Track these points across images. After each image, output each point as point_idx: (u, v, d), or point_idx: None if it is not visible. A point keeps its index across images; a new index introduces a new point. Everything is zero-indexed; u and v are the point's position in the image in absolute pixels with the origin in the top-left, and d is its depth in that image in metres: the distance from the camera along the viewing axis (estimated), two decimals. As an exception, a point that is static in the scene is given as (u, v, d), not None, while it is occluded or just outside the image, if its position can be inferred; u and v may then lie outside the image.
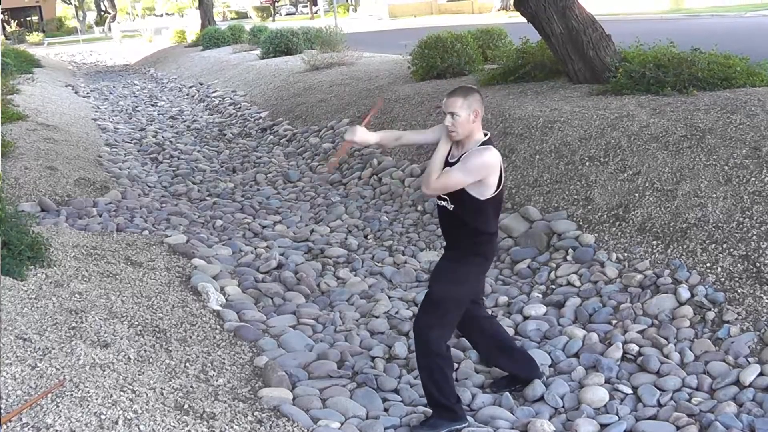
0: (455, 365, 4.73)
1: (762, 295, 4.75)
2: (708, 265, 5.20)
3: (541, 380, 4.48)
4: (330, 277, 6.38)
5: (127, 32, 49.93)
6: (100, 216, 7.51)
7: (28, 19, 67.46)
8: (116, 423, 3.45)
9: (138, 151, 11.85)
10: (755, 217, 5.32)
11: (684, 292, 5.03)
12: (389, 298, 5.92)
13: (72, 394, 3.61)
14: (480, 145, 3.87)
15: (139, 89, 21.70)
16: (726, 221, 5.43)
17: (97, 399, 3.61)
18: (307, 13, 63.14)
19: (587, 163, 6.88)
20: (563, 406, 4.31)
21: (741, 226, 5.32)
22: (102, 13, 66.00)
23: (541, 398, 4.37)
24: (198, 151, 11.66)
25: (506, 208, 6.92)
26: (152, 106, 17.77)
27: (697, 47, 8.68)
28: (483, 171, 3.82)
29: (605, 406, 4.24)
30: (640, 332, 4.89)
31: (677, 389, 4.32)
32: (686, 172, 6.11)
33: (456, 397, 4.07)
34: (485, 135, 3.93)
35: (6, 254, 5.16)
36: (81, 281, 5.39)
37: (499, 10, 41.78)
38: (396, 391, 4.53)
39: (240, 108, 15.20)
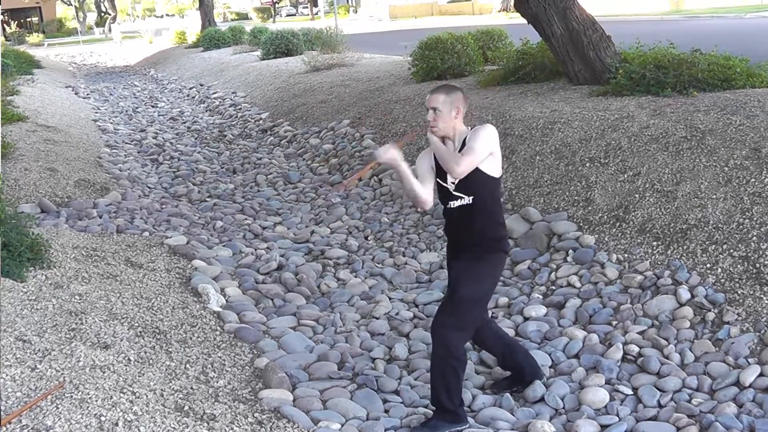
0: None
1: (762, 296, 4.75)
2: (708, 266, 5.20)
3: (542, 381, 4.48)
4: (330, 279, 6.38)
5: (127, 33, 49.96)
6: (100, 217, 7.51)
7: (28, 20, 67.51)
8: (116, 425, 3.45)
9: (138, 153, 11.86)
10: (755, 218, 5.32)
11: (684, 293, 5.03)
12: (390, 299, 5.92)
13: (72, 396, 3.61)
14: (469, 130, 3.95)
15: (139, 90, 21.71)
16: (726, 222, 5.43)
17: (97, 401, 3.61)
18: (308, 14, 63.17)
19: (587, 164, 6.88)
20: (564, 407, 4.31)
21: (741, 227, 5.32)
22: (102, 14, 66.03)
23: (542, 399, 4.37)
24: (198, 153, 11.67)
25: (507, 209, 6.91)
26: (152, 107, 17.78)
27: (697, 48, 8.68)
28: (491, 140, 3.90)
29: (605, 406, 4.24)
30: (641, 333, 4.89)
31: (677, 390, 4.32)
32: (686, 173, 6.11)
33: (460, 400, 4.07)
34: (470, 128, 3.98)
35: (6, 255, 5.16)
36: (81, 283, 5.39)
37: (499, 11, 41.79)
38: (396, 392, 4.53)
39: (240, 109, 15.20)
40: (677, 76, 8.00)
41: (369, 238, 7.37)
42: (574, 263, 5.90)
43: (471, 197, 3.94)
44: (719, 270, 5.11)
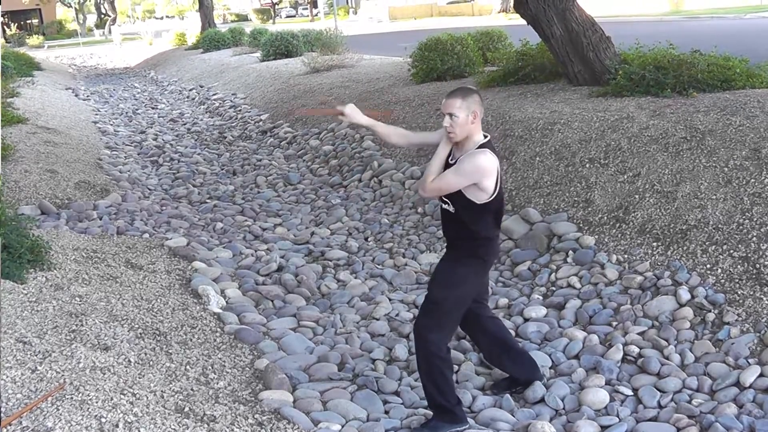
0: (455, 367, 4.74)
1: (762, 296, 4.75)
2: (708, 266, 5.20)
3: (542, 382, 4.48)
4: (330, 280, 6.38)
5: (127, 35, 49.95)
6: (101, 219, 7.51)
7: (29, 22, 67.54)
8: (116, 426, 3.45)
9: (138, 154, 11.86)
10: (755, 219, 5.32)
11: (684, 294, 5.03)
12: (390, 300, 5.92)
13: (72, 398, 3.61)
14: (478, 148, 3.87)
15: (139, 92, 21.71)
16: (726, 223, 5.43)
17: (97, 402, 3.61)
18: (307, 16, 63.19)
19: (587, 165, 6.88)
20: (564, 408, 4.31)
21: (741, 227, 5.32)
22: (102, 16, 66.07)
23: (542, 400, 4.37)
24: (198, 154, 11.67)
25: (507, 211, 6.91)
26: (152, 108, 17.79)
27: (696, 49, 8.68)
28: (476, 175, 3.80)
29: (606, 407, 4.25)
30: (641, 334, 4.89)
31: (678, 391, 4.32)
32: (686, 174, 6.11)
33: (456, 399, 4.07)
34: (485, 137, 3.93)
35: (6, 257, 5.16)
36: (81, 284, 5.40)
37: (498, 12, 41.77)
38: (396, 393, 4.53)
39: (240, 110, 15.20)
40: (677, 77, 8.00)
41: (369, 240, 7.37)
42: (574, 264, 5.90)
43: (454, 209, 3.98)
44: (719, 270, 5.11)
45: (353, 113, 4.21)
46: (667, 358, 4.60)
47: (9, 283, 5.02)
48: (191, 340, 4.86)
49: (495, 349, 4.49)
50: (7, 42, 48.10)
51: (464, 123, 3.84)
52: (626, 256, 5.72)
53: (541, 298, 5.67)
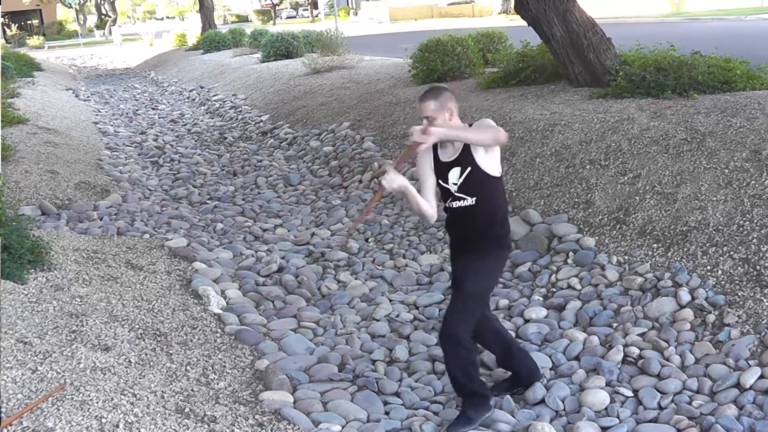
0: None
1: (762, 297, 4.75)
2: (708, 268, 5.20)
3: (541, 382, 4.48)
4: (331, 281, 6.38)
5: (127, 36, 49.96)
6: (101, 219, 7.51)
7: (29, 22, 67.54)
8: (117, 426, 3.45)
9: (138, 155, 11.86)
10: (755, 221, 5.32)
11: (684, 295, 5.03)
12: (390, 301, 5.92)
13: (73, 398, 3.62)
14: (469, 125, 3.95)
15: (139, 93, 21.72)
16: (726, 224, 5.43)
17: (97, 402, 3.61)
18: (308, 17, 63.19)
19: (588, 167, 6.88)
20: (564, 409, 4.31)
21: (741, 229, 5.32)
22: (102, 17, 66.09)
23: (542, 401, 4.37)
24: (199, 155, 11.67)
25: (507, 211, 6.91)
26: (153, 109, 17.79)
27: (697, 50, 8.69)
28: (495, 129, 3.86)
29: (606, 408, 4.24)
30: (641, 335, 4.89)
31: (678, 392, 4.32)
32: (686, 176, 6.12)
33: (481, 382, 4.19)
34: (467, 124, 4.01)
35: (6, 258, 5.16)
36: (81, 285, 5.40)
37: (499, 13, 41.81)
38: (397, 394, 4.53)
39: (241, 111, 15.21)
40: (677, 79, 8.01)
41: (369, 240, 7.37)
42: (575, 265, 5.90)
43: (474, 198, 3.96)
44: (719, 272, 5.11)
45: (400, 181, 3.83)
46: (667, 360, 4.60)
47: (9, 283, 5.02)
48: (192, 340, 4.86)
49: (506, 350, 4.47)
50: (7, 42, 48.11)
51: (443, 124, 3.85)
52: (627, 257, 5.72)
53: (541, 299, 5.67)
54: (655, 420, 4.13)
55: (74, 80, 26.54)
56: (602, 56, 9.20)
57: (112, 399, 3.69)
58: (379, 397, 4.46)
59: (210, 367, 4.51)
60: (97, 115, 16.38)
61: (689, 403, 4.19)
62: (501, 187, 4.11)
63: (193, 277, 6.03)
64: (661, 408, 4.22)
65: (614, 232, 6.03)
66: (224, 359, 4.68)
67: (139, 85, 24.09)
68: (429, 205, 4.00)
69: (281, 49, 20.49)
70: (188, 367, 4.44)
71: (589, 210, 6.37)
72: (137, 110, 17.61)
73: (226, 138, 13.05)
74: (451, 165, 3.96)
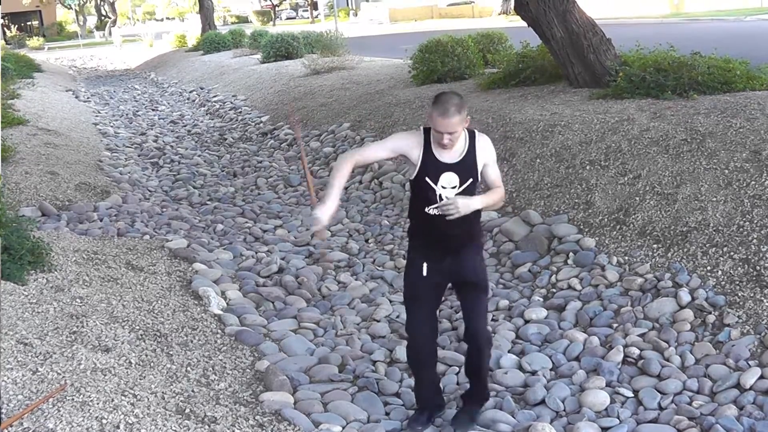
0: (455, 368, 4.75)
1: (762, 298, 4.75)
2: (708, 268, 5.20)
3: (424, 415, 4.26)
4: (331, 282, 6.38)
5: (127, 37, 49.95)
6: (101, 221, 7.51)
7: (29, 23, 67.51)
8: (117, 427, 3.45)
9: (139, 156, 11.87)
10: (755, 221, 5.32)
11: (685, 296, 5.03)
12: (390, 302, 5.92)
13: (73, 399, 3.62)
14: (468, 134, 3.85)
15: (139, 94, 21.72)
16: (726, 225, 5.44)
17: (98, 403, 3.61)
18: (308, 18, 63.18)
19: (588, 167, 6.88)
20: (564, 410, 4.31)
21: (741, 229, 5.33)
22: (102, 18, 66.08)
23: (542, 401, 4.37)
24: (199, 156, 11.67)
25: (507, 212, 6.93)
26: (153, 110, 17.79)
27: (697, 51, 8.69)
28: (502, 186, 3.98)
29: (606, 409, 4.24)
30: (641, 336, 4.89)
31: (678, 392, 4.32)
32: (686, 176, 6.12)
33: None
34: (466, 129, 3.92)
35: (7, 259, 5.16)
36: (82, 286, 5.40)
37: (499, 14, 41.80)
38: (397, 394, 4.54)
39: (241, 112, 15.22)
40: (677, 79, 8.01)
41: (369, 241, 7.37)
42: (575, 266, 5.90)
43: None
44: (720, 272, 5.11)
45: (326, 214, 3.71)
46: (667, 360, 4.60)
47: (10, 284, 5.02)
48: (192, 341, 4.87)
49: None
50: (7, 44, 48.11)
51: (460, 134, 3.78)
52: (627, 257, 5.72)
53: (541, 299, 5.67)
54: (655, 420, 4.13)
55: (74, 81, 26.54)
56: (602, 57, 9.20)
57: (113, 400, 3.69)
58: (379, 398, 4.46)
59: (210, 368, 4.51)
60: (97, 116, 16.38)
61: (689, 404, 4.19)
62: None
63: (193, 278, 6.03)
64: (661, 408, 4.23)
65: (614, 232, 6.03)
66: (224, 360, 4.68)
67: (139, 86, 24.09)
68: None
69: (281, 50, 20.51)
70: (188, 368, 4.44)
71: (589, 211, 6.37)
72: (137, 111, 17.62)
73: (226, 139, 13.05)
74: (448, 168, 3.79)
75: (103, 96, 21.19)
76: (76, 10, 62.17)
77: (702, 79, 7.94)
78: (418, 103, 10.68)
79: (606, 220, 6.19)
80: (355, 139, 10.37)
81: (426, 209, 3.82)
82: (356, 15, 59.17)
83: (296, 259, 6.84)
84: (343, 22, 43.31)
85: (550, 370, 4.73)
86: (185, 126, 14.94)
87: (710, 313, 4.85)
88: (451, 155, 3.81)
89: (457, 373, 4.72)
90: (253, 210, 8.65)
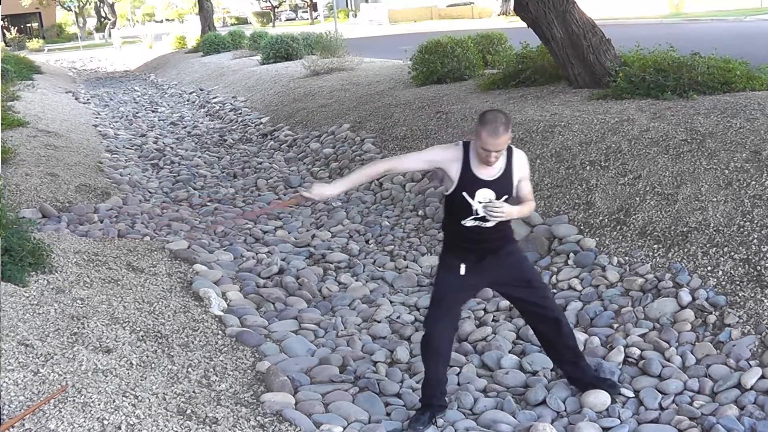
0: (457, 369, 4.76)
1: (763, 298, 4.75)
2: (709, 268, 5.20)
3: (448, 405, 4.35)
4: (331, 282, 6.38)
5: (127, 38, 49.93)
6: (101, 222, 7.52)
7: (28, 25, 67.52)
8: (119, 428, 3.46)
9: (139, 157, 11.86)
10: (756, 221, 5.32)
11: (685, 296, 5.03)
12: (391, 302, 5.92)
13: (74, 400, 3.62)
14: (507, 151, 3.88)
15: (139, 95, 21.72)
16: (727, 225, 5.44)
17: (99, 404, 3.62)
18: (307, 19, 63.20)
19: (588, 168, 6.89)
20: (565, 410, 4.31)
21: (742, 229, 5.33)
22: (102, 20, 66.09)
23: (543, 402, 4.38)
24: (199, 157, 11.68)
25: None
26: (153, 112, 17.79)
27: (696, 51, 8.70)
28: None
29: (607, 409, 4.24)
30: (642, 336, 4.90)
31: (679, 392, 4.32)
32: (687, 176, 6.12)
33: None
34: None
35: (7, 260, 5.17)
36: (82, 287, 5.40)
37: (498, 14, 41.80)
38: (398, 395, 4.54)
39: (240, 113, 15.22)
40: (677, 80, 8.02)
41: (370, 242, 7.37)
42: (575, 266, 5.90)
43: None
44: (720, 273, 5.11)
45: (319, 191, 4.04)
46: (668, 360, 4.60)
47: (10, 286, 5.02)
48: (193, 342, 4.87)
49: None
50: (7, 45, 48.13)
51: (504, 151, 3.83)
52: (627, 258, 5.72)
53: (542, 300, 5.66)
54: (656, 420, 4.13)
55: (74, 83, 26.54)
56: (602, 57, 9.21)
57: (114, 401, 3.69)
58: (380, 399, 4.46)
59: (211, 369, 4.51)
60: (97, 117, 16.39)
61: (690, 404, 4.19)
62: None
63: (193, 279, 6.03)
64: (662, 408, 4.23)
65: (615, 233, 6.03)
66: (225, 361, 4.68)
67: (139, 87, 24.09)
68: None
69: (281, 51, 20.51)
70: (189, 369, 4.44)
71: (590, 211, 6.37)
72: (137, 113, 17.62)
73: (226, 140, 13.06)
74: (485, 184, 3.85)
75: (102, 98, 21.20)
76: (75, 12, 62.14)
77: (702, 80, 7.95)
78: (418, 104, 10.69)
79: (606, 220, 6.20)
80: (355, 140, 10.38)
81: (462, 222, 3.92)
82: (356, 16, 59.18)
83: (297, 260, 6.85)
84: (342, 23, 43.32)
85: (551, 370, 4.73)
86: (185, 127, 14.94)
87: (711, 313, 4.86)
88: (489, 172, 3.86)
89: (458, 374, 4.72)
90: (254, 211, 8.65)
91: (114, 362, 4.22)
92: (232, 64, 22.22)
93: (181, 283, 5.95)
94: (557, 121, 7.96)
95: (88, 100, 20.37)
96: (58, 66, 35.66)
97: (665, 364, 4.56)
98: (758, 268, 4.96)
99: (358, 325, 5.59)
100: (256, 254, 7.05)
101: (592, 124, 7.55)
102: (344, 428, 4.08)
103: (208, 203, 9.08)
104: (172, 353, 4.60)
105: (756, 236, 5.20)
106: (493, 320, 5.45)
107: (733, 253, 5.19)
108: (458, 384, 4.61)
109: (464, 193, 3.86)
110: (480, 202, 3.85)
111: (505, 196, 3.87)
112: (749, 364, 4.39)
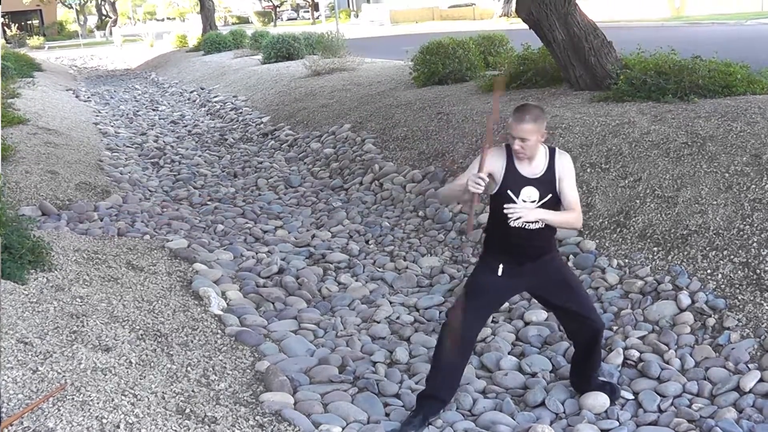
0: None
1: (762, 301, 4.76)
2: (708, 271, 5.21)
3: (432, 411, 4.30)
4: (331, 282, 6.38)
5: (128, 36, 49.98)
6: (101, 220, 7.51)
7: (29, 22, 67.49)
8: (117, 427, 3.46)
9: (139, 156, 11.87)
10: (755, 225, 5.33)
11: (685, 299, 5.04)
12: (390, 303, 5.92)
13: (73, 398, 3.62)
14: (549, 151, 3.91)
15: (140, 94, 21.72)
16: (726, 228, 5.44)
17: (98, 403, 3.62)
18: (309, 19, 63.22)
19: (588, 170, 6.89)
20: (564, 412, 4.31)
21: (741, 233, 5.33)
22: (103, 18, 66.11)
23: (542, 403, 4.38)
24: (199, 156, 11.68)
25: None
26: (153, 110, 17.79)
27: (697, 55, 8.71)
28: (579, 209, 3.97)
29: (606, 411, 4.25)
30: (641, 338, 4.90)
31: (678, 395, 4.33)
32: (687, 179, 6.12)
33: None
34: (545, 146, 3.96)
35: (7, 258, 5.16)
36: (82, 285, 5.40)
37: (500, 16, 41.83)
38: (397, 395, 4.54)
39: (241, 113, 15.22)
40: (678, 83, 8.02)
41: (370, 243, 7.37)
42: (575, 268, 5.90)
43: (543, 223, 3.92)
44: (720, 276, 5.12)
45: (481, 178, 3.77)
46: (667, 363, 4.61)
47: (10, 283, 5.02)
48: (192, 341, 4.87)
49: None
50: (7, 43, 48.12)
51: (535, 145, 3.80)
52: (627, 260, 5.72)
53: (541, 302, 5.67)
54: (654, 423, 4.13)
55: (74, 81, 26.55)
56: (603, 60, 9.21)
57: (113, 399, 3.69)
58: (379, 399, 4.46)
59: (210, 368, 4.51)
60: (97, 115, 16.39)
61: (689, 406, 4.20)
62: None
63: (193, 278, 6.03)
64: (660, 411, 4.23)
65: (614, 235, 6.03)
66: (225, 360, 4.68)
67: (140, 86, 24.09)
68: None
69: (282, 50, 20.52)
70: (189, 368, 4.44)
71: (590, 213, 6.37)
72: (138, 111, 17.62)
73: (226, 139, 13.06)
74: (529, 182, 3.86)
75: (103, 96, 21.20)
76: (76, 10, 62.10)
77: (703, 83, 7.95)
78: (419, 105, 10.69)
79: (606, 222, 6.20)
80: (356, 141, 10.38)
81: (508, 222, 3.88)
82: (357, 16, 59.22)
83: (297, 259, 6.85)
84: (344, 24, 43.36)
85: (550, 372, 4.74)
86: (186, 126, 14.94)
87: (710, 316, 4.86)
88: (532, 170, 3.87)
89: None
90: (254, 210, 8.65)
91: (113, 361, 4.22)
92: (233, 64, 22.22)
93: (181, 282, 5.95)
94: (558, 123, 7.96)
95: (88, 98, 20.37)
96: (58, 64, 35.67)
97: (664, 366, 4.56)
98: (758, 271, 4.96)
99: (358, 325, 5.59)
100: (256, 254, 7.05)
101: (593, 127, 7.55)
102: (343, 428, 4.08)
103: (208, 202, 9.09)
104: (171, 352, 4.60)
105: (756, 240, 5.20)
106: (492, 321, 5.45)
107: (732, 257, 5.19)
108: (459, 385, 4.60)
109: (509, 191, 3.86)
110: (524, 201, 3.85)
111: (549, 195, 3.87)
112: (748, 367, 4.39)
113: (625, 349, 4.79)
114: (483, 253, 4.25)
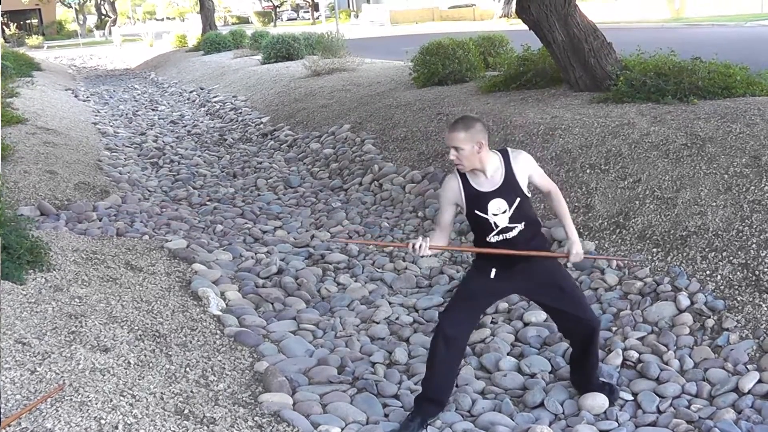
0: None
1: (761, 303, 4.76)
2: (708, 272, 5.21)
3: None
4: (330, 283, 6.38)
5: (127, 36, 49.96)
6: (100, 220, 7.51)
7: (28, 22, 67.42)
8: (116, 428, 3.45)
9: (138, 156, 11.86)
10: (755, 226, 5.33)
11: (684, 300, 5.04)
12: (389, 303, 5.92)
13: (72, 399, 3.61)
14: (503, 155, 3.89)
15: (139, 93, 21.71)
16: (726, 229, 5.44)
17: (96, 404, 3.61)
18: (309, 19, 63.21)
19: (588, 171, 6.89)
20: (563, 412, 4.31)
21: (740, 234, 5.33)
22: (102, 17, 66.09)
23: (541, 404, 4.38)
24: (198, 156, 11.67)
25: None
26: (153, 110, 17.78)
27: (697, 56, 8.70)
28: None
29: (605, 412, 4.25)
30: (640, 339, 4.90)
31: (677, 396, 4.33)
32: (686, 181, 6.12)
33: None
34: (498, 151, 3.93)
35: (5, 258, 5.16)
36: (81, 286, 5.39)
37: (500, 17, 41.83)
38: (396, 396, 4.53)
39: (241, 113, 15.22)
40: (678, 84, 8.02)
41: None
42: (574, 269, 5.89)
43: (522, 223, 3.91)
44: (719, 277, 5.12)
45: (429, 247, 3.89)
46: (666, 364, 4.61)
47: (8, 284, 5.02)
48: (191, 342, 4.86)
49: None
50: (6, 42, 48.07)
51: (470, 154, 3.77)
52: (626, 261, 5.72)
53: (540, 302, 5.66)
54: (653, 423, 4.13)
55: (73, 80, 26.54)
56: (603, 61, 9.20)
57: (111, 400, 3.69)
58: (378, 400, 4.46)
59: (209, 369, 4.51)
60: (96, 115, 16.38)
61: (688, 407, 4.20)
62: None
63: (192, 278, 6.03)
64: (659, 412, 4.23)
65: (614, 236, 6.03)
66: (224, 361, 4.68)
67: (139, 85, 24.09)
68: (445, 242, 4.07)
69: (282, 51, 20.51)
70: (187, 369, 4.43)
71: (589, 214, 6.37)
72: (137, 111, 17.61)
73: (226, 139, 13.05)
74: (491, 195, 3.84)
75: (102, 95, 21.19)
76: (76, 9, 62.12)
77: (702, 84, 7.95)
78: (418, 106, 10.69)
79: (606, 223, 6.20)
80: (355, 141, 10.38)
81: (487, 239, 3.91)
82: (357, 17, 59.18)
83: (296, 260, 6.84)
84: (343, 24, 43.35)
85: (549, 372, 4.73)
86: (185, 126, 14.94)
87: (709, 317, 4.86)
88: (490, 182, 3.85)
89: (456, 375, 4.71)
90: (253, 211, 8.65)
91: (112, 361, 4.22)
92: (233, 64, 22.21)
93: (180, 283, 5.94)
94: (558, 124, 7.96)
95: (87, 97, 20.36)
96: (57, 63, 35.66)
97: (663, 367, 4.56)
98: (757, 272, 4.96)
99: (357, 326, 5.59)
100: (255, 254, 7.04)
101: (593, 128, 7.55)
102: (342, 429, 4.07)
103: (208, 202, 9.08)
104: (170, 353, 4.60)
105: (755, 241, 5.20)
106: (491, 322, 5.45)
107: (731, 258, 5.19)
108: (456, 386, 4.60)
109: (476, 211, 3.86)
110: (495, 215, 3.84)
111: (517, 200, 3.85)
112: (747, 368, 4.39)
113: (624, 350, 4.79)
114: (475, 259, 4.27)
